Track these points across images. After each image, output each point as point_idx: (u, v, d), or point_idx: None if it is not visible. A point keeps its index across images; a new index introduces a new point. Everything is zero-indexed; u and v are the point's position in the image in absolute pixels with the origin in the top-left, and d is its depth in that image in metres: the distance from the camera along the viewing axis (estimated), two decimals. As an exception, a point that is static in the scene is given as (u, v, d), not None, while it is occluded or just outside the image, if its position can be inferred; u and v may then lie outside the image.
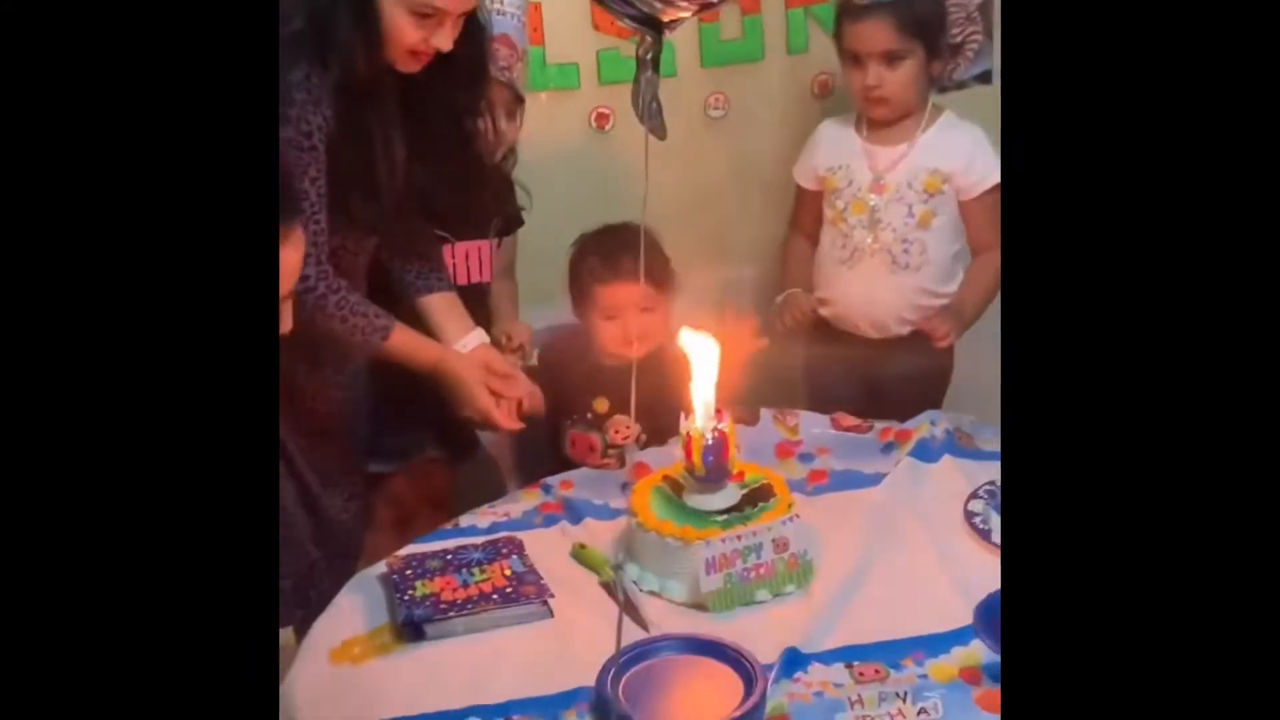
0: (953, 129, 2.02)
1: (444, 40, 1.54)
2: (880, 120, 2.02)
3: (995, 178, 1.98)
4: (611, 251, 1.80)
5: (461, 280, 1.86)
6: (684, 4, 1.16)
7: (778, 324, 2.06)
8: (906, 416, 1.76)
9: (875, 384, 2.05)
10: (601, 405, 1.74)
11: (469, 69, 1.64)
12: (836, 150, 2.07)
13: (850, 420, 1.79)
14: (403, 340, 1.65)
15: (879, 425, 1.77)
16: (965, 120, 2.04)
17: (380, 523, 1.86)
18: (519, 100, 1.87)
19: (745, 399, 1.69)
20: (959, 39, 2.14)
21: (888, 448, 1.71)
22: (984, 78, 2.37)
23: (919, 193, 1.99)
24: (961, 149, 1.99)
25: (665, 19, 1.18)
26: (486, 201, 1.87)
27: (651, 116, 1.20)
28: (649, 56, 1.19)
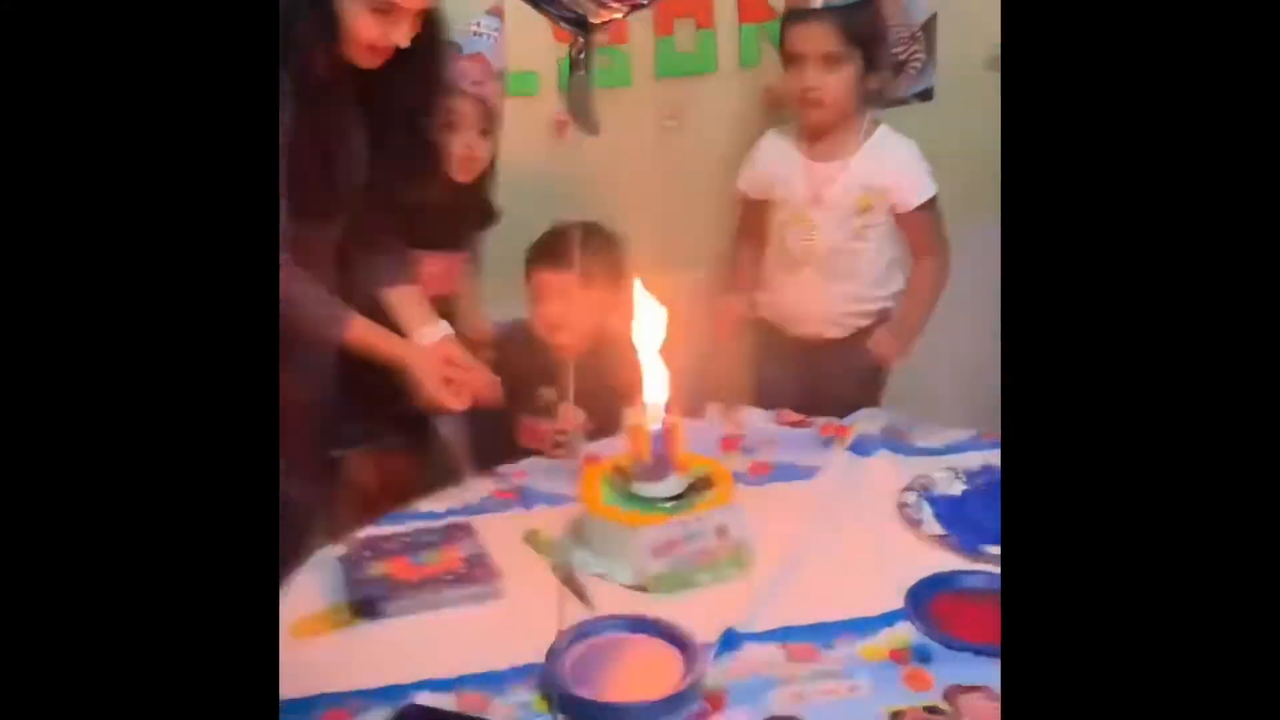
0: (888, 145, 2.06)
1: (401, 36, 1.56)
2: (816, 125, 2.06)
3: (928, 193, 2.04)
4: (547, 241, 1.89)
5: (430, 292, 1.84)
6: (615, 5, 1.18)
7: (711, 328, 2.11)
8: (844, 413, 1.81)
9: (815, 382, 2.11)
10: (550, 394, 1.78)
11: (426, 63, 1.66)
12: (778, 164, 2.11)
13: (793, 415, 1.84)
14: (359, 333, 1.65)
15: (819, 421, 1.81)
16: (900, 135, 2.08)
17: (339, 506, 1.87)
18: (492, 118, 1.89)
19: (694, 395, 1.74)
20: (902, 57, 2.20)
21: (827, 442, 1.75)
22: (925, 95, 2.44)
23: (852, 209, 2.04)
24: (895, 165, 2.04)
25: (596, 20, 1.21)
26: (458, 220, 1.90)
27: (583, 114, 1.24)
28: (580, 57, 1.22)
